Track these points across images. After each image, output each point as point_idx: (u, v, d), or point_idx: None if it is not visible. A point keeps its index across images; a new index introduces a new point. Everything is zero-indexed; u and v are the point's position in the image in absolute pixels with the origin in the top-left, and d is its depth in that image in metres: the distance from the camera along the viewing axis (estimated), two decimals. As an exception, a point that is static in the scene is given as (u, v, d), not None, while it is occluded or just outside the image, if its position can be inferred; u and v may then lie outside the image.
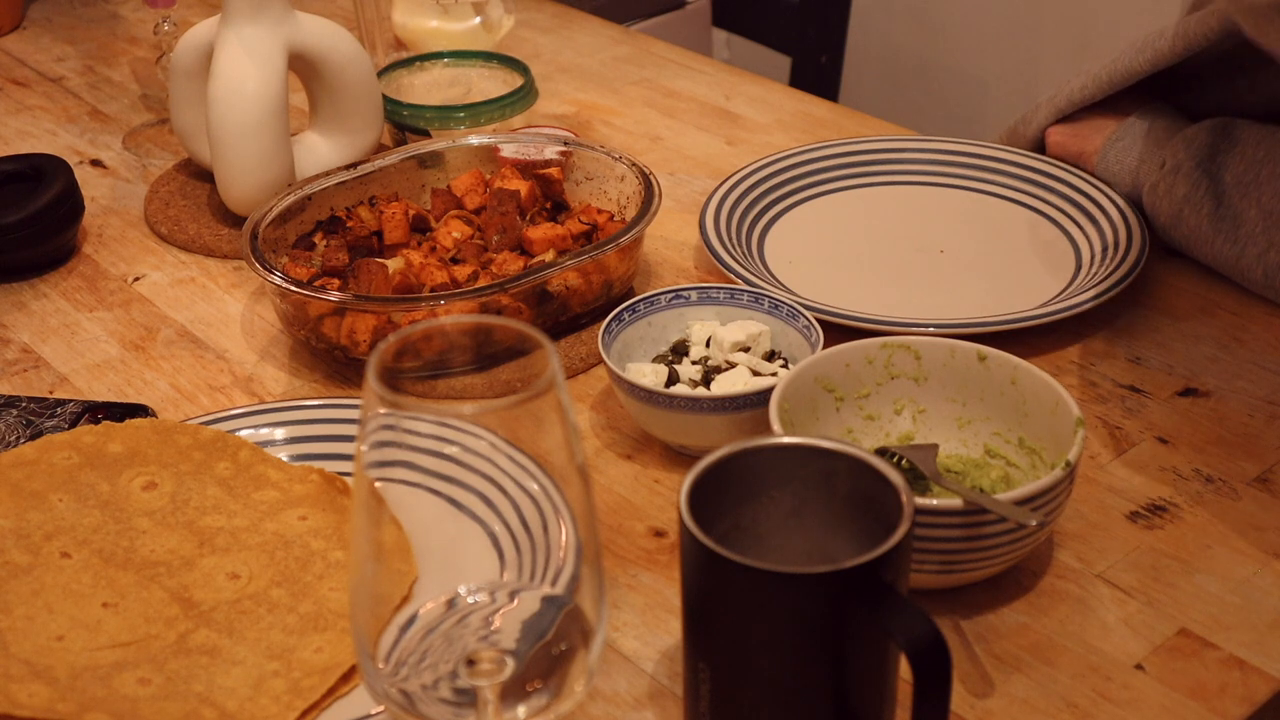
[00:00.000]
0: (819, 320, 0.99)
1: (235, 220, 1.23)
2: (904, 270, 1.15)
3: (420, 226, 1.16)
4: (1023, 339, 1.04)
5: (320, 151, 1.25)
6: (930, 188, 1.25)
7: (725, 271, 1.09)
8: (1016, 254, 1.16)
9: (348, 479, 0.89)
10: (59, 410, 0.98)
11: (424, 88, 1.35)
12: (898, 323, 1.03)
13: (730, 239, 1.14)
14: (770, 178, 1.23)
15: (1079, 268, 1.13)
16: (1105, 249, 1.12)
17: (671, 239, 1.21)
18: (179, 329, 1.13)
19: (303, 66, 1.22)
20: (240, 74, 1.16)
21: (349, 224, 1.14)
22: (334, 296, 1.02)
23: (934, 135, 1.29)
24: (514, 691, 0.61)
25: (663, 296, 1.02)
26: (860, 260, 1.16)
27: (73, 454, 0.90)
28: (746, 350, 0.99)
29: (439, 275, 1.07)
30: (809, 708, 0.67)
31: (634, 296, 1.03)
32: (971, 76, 2.71)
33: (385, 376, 0.58)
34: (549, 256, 1.10)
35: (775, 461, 0.71)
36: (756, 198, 1.21)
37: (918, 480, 0.87)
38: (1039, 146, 1.24)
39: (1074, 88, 1.20)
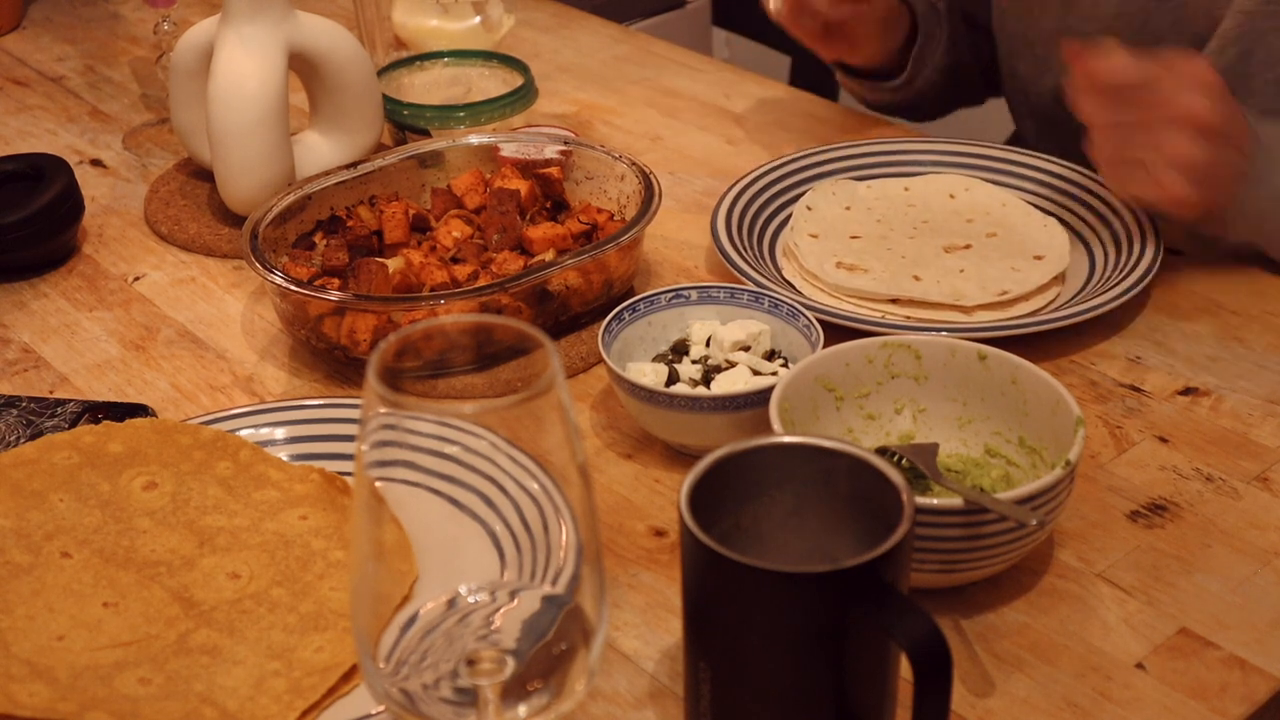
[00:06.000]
0: (819, 320, 0.99)
1: (235, 220, 1.23)
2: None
3: (420, 226, 1.16)
4: (1023, 338, 1.04)
5: (320, 151, 1.25)
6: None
7: (735, 274, 1.08)
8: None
9: (348, 479, 0.89)
10: (59, 410, 0.98)
11: (424, 87, 1.35)
12: (897, 323, 1.03)
13: (741, 241, 1.14)
14: (780, 180, 1.22)
15: (1092, 271, 1.12)
16: (1119, 250, 1.11)
17: (671, 239, 1.21)
18: (179, 329, 1.13)
19: (303, 66, 1.22)
20: (240, 74, 1.16)
21: (349, 224, 1.14)
22: (334, 296, 1.02)
23: (934, 135, 1.29)
24: (515, 691, 0.61)
25: (663, 296, 1.02)
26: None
27: (73, 454, 0.90)
28: (747, 350, 0.99)
29: (439, 275, 1.07)
30: (809, 707, 0.67)
31: (634, 296, 1.03)
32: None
33: (386, 376, 0.58)
34: (549, 256, 1.10)
35: (775, 461, 0.71)
36: (768, 200, 1.20)
37: (918, 480, 0.87)
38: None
39: None
